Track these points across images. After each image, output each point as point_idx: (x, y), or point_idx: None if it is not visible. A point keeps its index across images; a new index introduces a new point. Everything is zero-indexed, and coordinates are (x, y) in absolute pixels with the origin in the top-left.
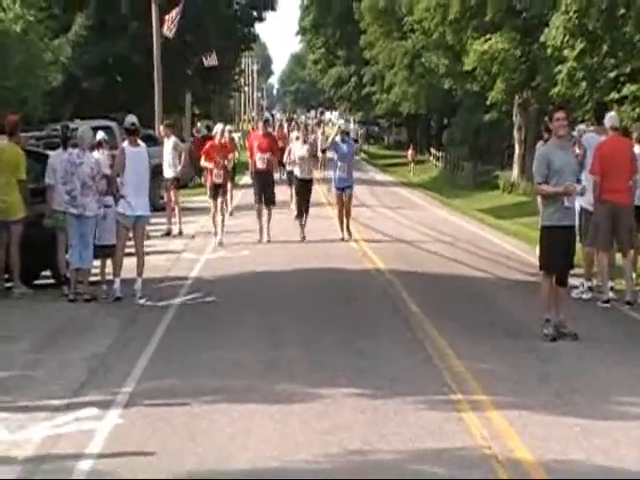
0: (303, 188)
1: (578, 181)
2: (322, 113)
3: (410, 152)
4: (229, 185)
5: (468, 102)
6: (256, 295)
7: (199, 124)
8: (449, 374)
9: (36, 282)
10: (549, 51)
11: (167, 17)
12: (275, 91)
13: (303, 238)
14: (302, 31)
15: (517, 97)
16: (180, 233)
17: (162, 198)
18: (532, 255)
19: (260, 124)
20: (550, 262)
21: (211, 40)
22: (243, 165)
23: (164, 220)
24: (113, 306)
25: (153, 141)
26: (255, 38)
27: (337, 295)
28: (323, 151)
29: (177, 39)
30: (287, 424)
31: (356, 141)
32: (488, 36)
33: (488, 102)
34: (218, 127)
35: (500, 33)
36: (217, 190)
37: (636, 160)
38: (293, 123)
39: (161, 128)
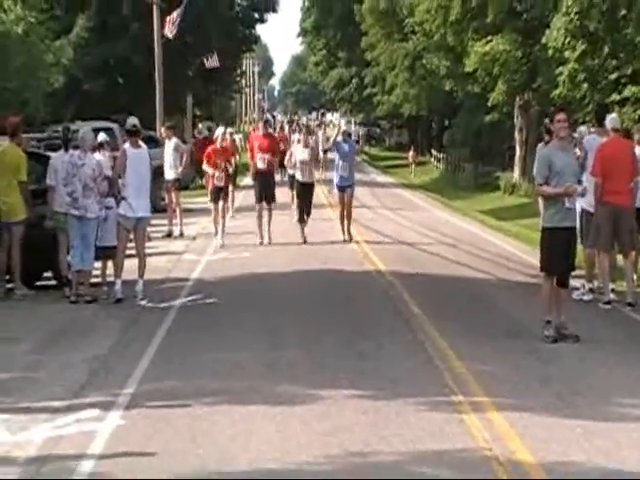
0: (304, 192)
1: (579, 182)
2: (323, 115)
3: (411, 153)
4: (230, 188)
5: (469, 103)
6: (257, 296)
7: (200, 125)
8: (450, 375)
9: (37, 283)
10: (550, 52)
11: (168, 18)
12: (276, 93)
13: (304, 241)
14: (303, 33)
15: (518, 99)
16: (181, 234)
17: (163, 199)
18: (533, 256)
19: (260, 125)
20: (551, 263)
21: (212, 41)
22: (244, 167)
23: (165, 221)
24: (114, 307)
25: (154, 142)
26: (256, 39)
27: (338, 296)
28: (325, 152)
29: (178, 40)
30: (288, 425)
31: (357, 142)
32: (489, 38)
33: (489, 104)
34: (219, 131)
35: (501, 35)
36: (218, 194)
37: (637, 162)
38: (294, 125)
39: (162, 130)
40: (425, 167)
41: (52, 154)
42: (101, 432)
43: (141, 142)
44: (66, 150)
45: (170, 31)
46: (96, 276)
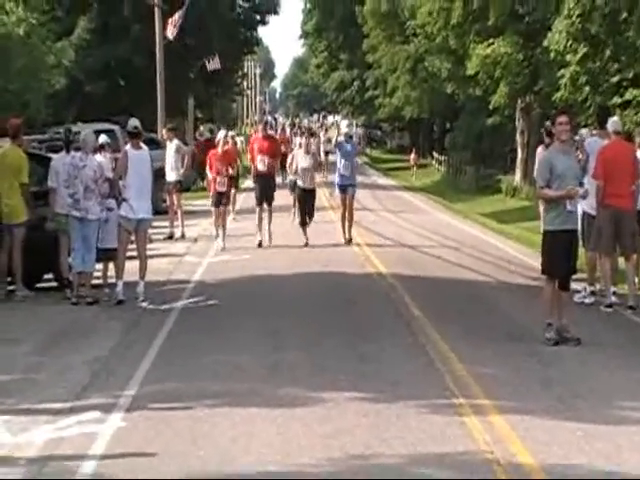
0: (306, 197)
1: (581, 185)
2: (325, 117)
3: (412, 156)
4: (232, 191)
5: (471, 106)
6: (258, 299)
7: (202, 127)
8: (451, 378)
9: (38, 285)
10: (552, 55)
11: (170, 20)
12: (278, 95)
13: (306, 244)
14: (305, 35)
15: (520, 101)
16: (182, 236)
17: (164, 201)
18: (534, 259)
19: (260, 127)
20: (552, 266)
21: (214, 43)
22: (245, 170)
23: (166, 223)
24: (115, 309)
25: (156, 144)
26: (258, 42)
27: (339, 299)
28: (326, 153)
29: (179, 42)
30: (289, 428)
31: (358, 144)
32: (491, 40)
33: (491, 106)
34: (220, 134)
35: (503, 37)
36: (220, 198)
37: (639, 164)
38: (296, 128)
39: (163, 131)
40: (426, 170)
41: (53, 156)
42: (102, 434)
43: (142, 144)
44: (67, 152)
45: (171, 32)
46: (97, 278)
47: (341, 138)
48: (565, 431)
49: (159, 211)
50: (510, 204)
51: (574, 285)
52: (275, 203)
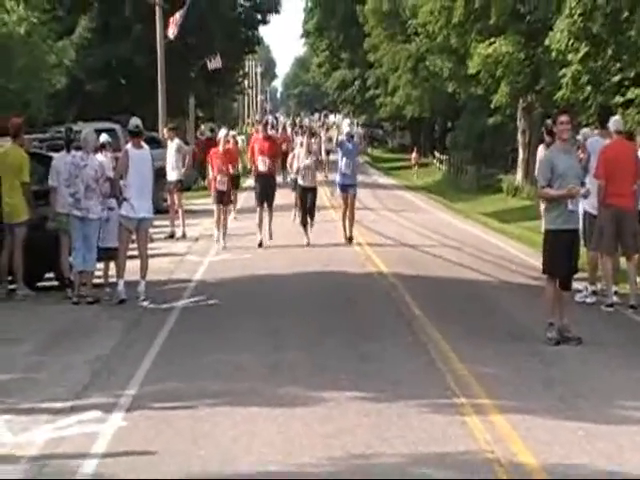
0: (307, 196)
1: (582, 184)
2: (326, 116)
3: (414, 155)
4: (232, 192)
5: (472, 105)
6: (259, 298)
7: (203, 127)
8: (452, 378)
9: (39, 284)
10: (553, 55)
11: (171, 19)
12: (279, 94)
13: (308, 243)
14: (306, 34)
15: (521, 101)
16: (183, 236)
17: (165, 201)
18: (536, 259)
19: (261, 127)
20: (554, 266)
21: (215, 43)
22: (245, 169)
23: (167, 222)
24: (116, 308)
25: (157, 144)
26: (259, 41)
27: (340, 298)
28: (328, 153)
29: (180, 41)
30: (290, 427)
31: (359, 143)
32: (492, 39)
33: (492, 106)
34: (221, 133)
35: (504, 36)
36: (220, 197)
37: None
38: (297, 127)
39: (164, 131)
40: (428, 169)
41: (54, 155)
42: (103, 433)
43: (143, 143)
44: (68, 151)
45: (172, 32)
46: (98, 277)
47: (342, 137)
48: (566, 431)
49: (160, 210)
50: (511, 203)
51: (575, 285)
52: (276, 202)
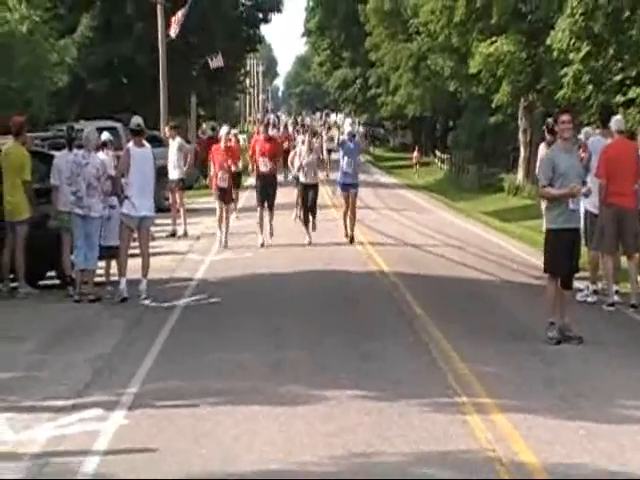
0: (308, 193)
1: (583, 183)
2: (327, 115)
3: (415, 154)
4: (233, 189)
5: (473, 105)
6: (260, 297)
7: (204, 125)
8: (453, 377)
9: (41, 283)
10: (555, 54)
11: (173, 18)
12: (280, 93)
13: (309, 242)
14: (307, 33)
15: (522, 100)
16: (185, 234)
17: (167, 199)
18: (537, 258)
19: (262, 128)
20: (555, 265)
21: (216, 41)
22: (245, 168)
23: (169, 221)
24: (118, 307)
25: (158, 142)
26: (260, 40)
27: (341, 297)
28: (329, 152)
29: (182, 40)
30: (292, 426)
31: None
32: (494, 39)
33: (493, 105)
34: (223, 131)
35: (506, 36)
36: (222, 195)
37: None
38: (299, 126)
39: (166, 129)
40: (429, 168)
41: (56, 153)
42: (104, 431)
43: (145, 141)
44: (70, 149)
45: (174, 30)
46: (100, 275)
47: (344, 137)
48: (568, 430)
49: (161, 209)
50: (512, 202)
51: (577, 284)
52: (277, 201)
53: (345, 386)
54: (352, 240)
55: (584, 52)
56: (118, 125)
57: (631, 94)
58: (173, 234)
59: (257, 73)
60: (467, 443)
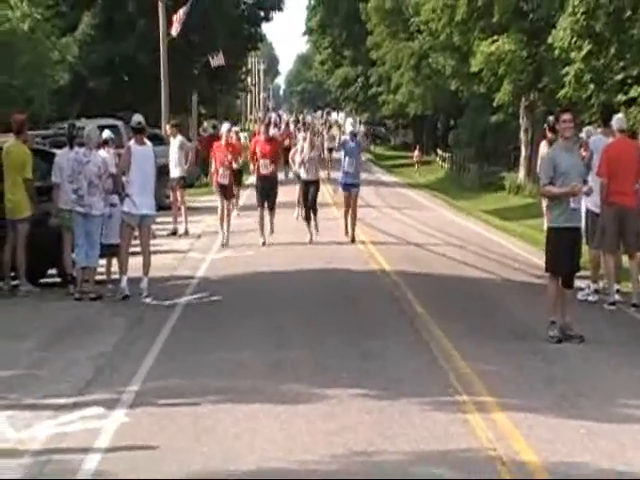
0: (308, 190)
1: (584, 182)
2: (329, 113)
3: (416, 153)
4: (234, 187)
5: (474, 103)
6: (261, 295)
7: (205, 124)
8: (454, 376)
9: (42, 281)
10: (556, 53)
11: (175, 17)
12: (281, 91)
13: (310, 240)
14: (309, 31)
15: (524, 99)
16: (186, 232)
17: (168, 197)
18: (538, 257)
19: (262, 128)
20: (556, 264)
21: (218, 40)
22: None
23: (170, 219)
24: (119, 305)
25: (159, 140)
26: (262, 38)
27: (342, 296)
28: (330, 150)
29: (183, 38)
30: (292, 424)
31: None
32: (495, 37)
33: (495, 104)
34: (224, 128)
35: (507, 34)
36: (223, 191)
37: None
38: (300, 124)
39: (167, 127)
40: (430, 167)
41: (57, 151)
42: (105, 429)
43: (146, 139)
44: (71, 147)
45: (175, 29)
46: (101, 273)
47: (345, 137)
48: (568, 429)
49: (163, 207)
50: (513, 201)
51: (578, 283)
52: (279, 200)
53: (346, 385)
54: (353, 239)
55: (585, 51)
56: (119, 123)
57: (632, 93)
58: (174, 232)
59: (258, 71)
60: (468, 442)
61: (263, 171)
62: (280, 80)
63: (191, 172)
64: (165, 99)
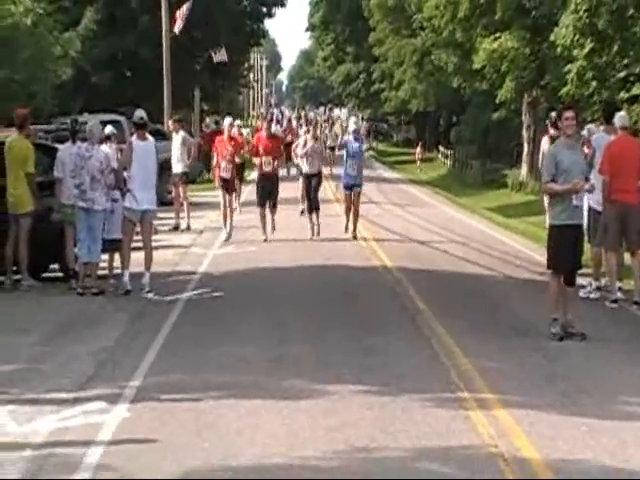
0: (310, 183)
1: (586, 180)
2: (331, 110)
3: (418, 150)
4: (236, 182)
5: (477, 100)
6: (263, 291)
7: (208, 119)
8: (456, 372)
9: (44, 275)
10: (559, 50)
11: (178, 13)
12: (284, 87)
13: (312, 236)
14: (311, 27)
15: (526, 96)
16: (188, 228)
17: (170, 193)
18: (540, 254)
19: (264, 124)
20: (558, 261)
21: (220, 36)
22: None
23: (172, 215)
24: (121, 300)
25: (162, 136)
26: (264, 34)
27: (344, 292)
28: (332, 149)
29: (186, 34)
30: (294, 420)
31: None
32: (497, 34)
33: (497, 100)
34: (226, 122)
35: (510, 31)
36: (225, 185)
37: None
38: (302, 120)
39: (170, 123)
40: (433, 163)
41: (60, 146)
42: (107, 424)
43: (148, 135)
44: (74, 142)
45: (178, 26)
46: (103, 268)
47: (348, 137)
48: (570, 426)
49: (165, 202)
50: (516, 198)
51: (580, 280)
52: (281, 196)
53: (348, 381)
54: (355, 236)
55: (588, 48)
56: (122, 118)
57: (635, 90)
58: (176, 228)
59: (261, 67)
60: (469, 438)
61: (265, 169)
62: (282, 76)
63: (193, 168)
64: (167, 94)
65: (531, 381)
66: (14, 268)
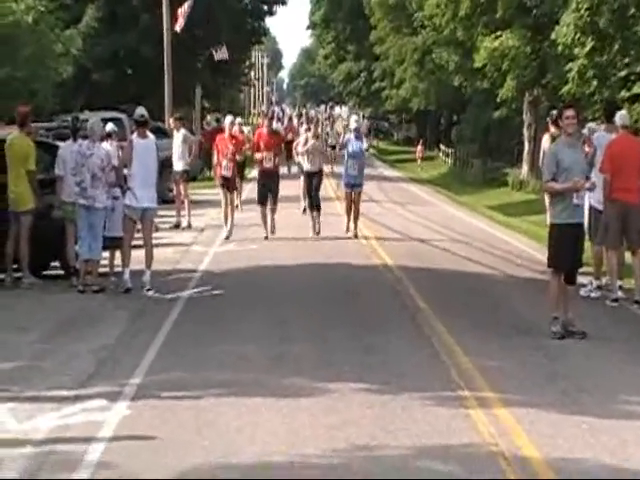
0: (311, 181)
1: (587, 179)
2: (332, 108)
3: (419, 148)
4: (237, 179)
5: (478, 99)
6: (264, 289)
7: (209, 117)
8: (456, 371)
9: (45, 273)
10: (560, 49)
11: (179, 11)
12: (285, 85)
13: (313, 234)
14: (312, 26)
15: (527, 94)
16: (189, 226)
17: (171, 190)
18: (541, 253)
19: (266, 121)
20: (559, 260)
21: (221, 34)
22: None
23: (173, 212)
24: (122, 298)
25: (163, 134)
26: (265, 32)
27: (345, 290)
28: (333, 147)
29: (187, 32)
30: (294, 418)
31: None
32: (499, 33)
33: (498, 99)
34: (227, 120)
35: (511, 30)
36: (226, 183)
37: None
38: (303, 118)
39: (171, 121)
40: (433, 162)
41: (61, 144)
42: (107, 422)
43: (149, 133)
44: (75, 140)
45: (179, 25)
46: (104, 266)
47: (349, 136)
48: (570, 425)
49: (166, 200)
50: (516, 197)
51: (580, 279)
52: (282, 194)
53: (348, 379)
54: (356, 235)
55: (589, 47)
56: (123, 116)
57: (636, 89)
58: (177, 225)
59: (262, 65)
60: (470, 437)
61: (265, 165)
62: (284, 74)
63: (194, 165)
64: (169, 92)
65: (531, 380)
66: (15, 266)
